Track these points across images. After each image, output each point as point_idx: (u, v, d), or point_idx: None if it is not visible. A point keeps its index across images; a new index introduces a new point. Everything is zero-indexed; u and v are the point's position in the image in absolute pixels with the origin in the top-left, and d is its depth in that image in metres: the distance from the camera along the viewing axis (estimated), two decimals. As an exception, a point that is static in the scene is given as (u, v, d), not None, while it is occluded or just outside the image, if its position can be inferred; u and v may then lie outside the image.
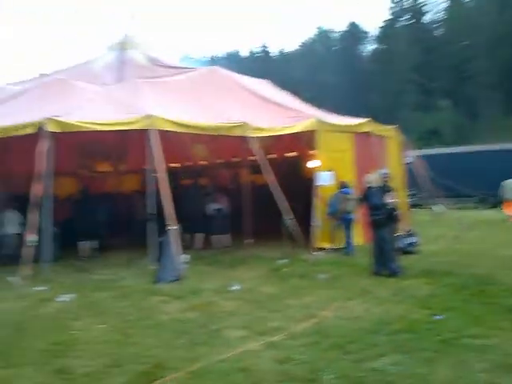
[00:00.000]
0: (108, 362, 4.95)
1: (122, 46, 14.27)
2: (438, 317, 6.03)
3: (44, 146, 9.13)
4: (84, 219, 11.88)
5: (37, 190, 8.88)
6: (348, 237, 10.93)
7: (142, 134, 10.17)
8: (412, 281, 8.01)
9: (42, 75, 14.12)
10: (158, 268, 8.69)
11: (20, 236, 9.38)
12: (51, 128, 9.31)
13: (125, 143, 15.01)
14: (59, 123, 9.45)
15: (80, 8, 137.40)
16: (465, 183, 20.44)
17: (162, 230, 9.20)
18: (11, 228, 11.26)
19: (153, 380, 4.45)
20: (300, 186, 13.60)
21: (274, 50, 70.40)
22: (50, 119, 9.35)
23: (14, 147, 13.42)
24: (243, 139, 10.83)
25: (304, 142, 12.52)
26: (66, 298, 7.52)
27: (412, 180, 14.32)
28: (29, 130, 9.47)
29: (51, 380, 4.57)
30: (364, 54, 64.09)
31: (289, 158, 15.91)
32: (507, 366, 4.51)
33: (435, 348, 5.01)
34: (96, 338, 5.69)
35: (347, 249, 10.82)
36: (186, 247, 11.10)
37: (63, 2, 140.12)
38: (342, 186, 10.99)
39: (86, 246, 11.81)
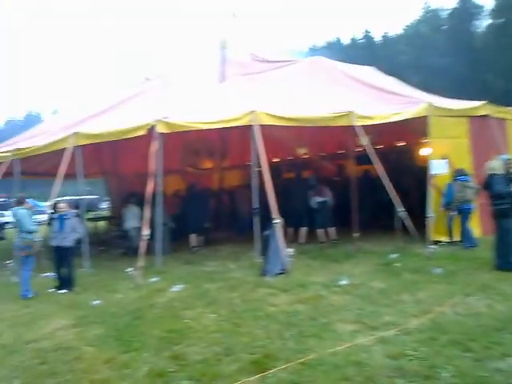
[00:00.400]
0: (220, 350, 5.08)
1: (224, 45, 14.53)
2: None
3: (155, 147, 9.64)
4: (191, 214, 12.39)
5: (150, 187, 9.39)
6: (466, 228, 10.15)
7: (244, 129, 10.34)
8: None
9: (146, 79, 14.90)
10: (264, 261, 8.76)
11: (139, 230, 9.92)
12: (161, 129, 9.84)
13: (227, 140, 15.39)
14: (168, 124, 9.96)
15: (180, 7, 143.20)
16: None
17: (266, 223, 9.27)
18: (132, 222, 12.10)
19: (264, 369, 4.49)
20: (411, 176, 13.02)
21: (376, 35, 68.04)
22: (159, 121, 9.88)
23: (125, 149, 14.39)
24: (348, 129, 10.47)
25: (414, 129, 11.81)
26: (178, 288, 7.86)
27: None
28: (140, 132, 10.06)
29: (167, 365, 4.78)
30: (478, 30, 59.46)
31: (398, 147, 15.24)
32: None
33: None
34: (207, 327, 5.86)
35: (466, 241, 10.04)
36: (290, 241, 11.15)
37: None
38: (460, 173, 10.21)
39: (194, 239, 12.27)
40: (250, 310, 6.45)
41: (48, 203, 10.55)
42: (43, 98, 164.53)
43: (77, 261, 9.44)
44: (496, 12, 54.15)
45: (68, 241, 8.55)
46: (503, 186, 7.84)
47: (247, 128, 9.97)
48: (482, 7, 58.32)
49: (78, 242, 9.16)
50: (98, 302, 7.42)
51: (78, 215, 9.14)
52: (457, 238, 10.42)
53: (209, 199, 13.99)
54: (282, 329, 5.61)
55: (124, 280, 8.69)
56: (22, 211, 8.52)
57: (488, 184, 8.10)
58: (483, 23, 58.16)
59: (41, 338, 5.90)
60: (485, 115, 11.31)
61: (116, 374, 4.64)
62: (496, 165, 8.13)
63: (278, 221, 8.95)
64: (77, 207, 11.47)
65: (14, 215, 8.59)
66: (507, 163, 8.25)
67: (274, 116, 9.99)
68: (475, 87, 42.82)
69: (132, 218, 12.24)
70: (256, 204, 9.81)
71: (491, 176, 8.07)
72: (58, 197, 10.17)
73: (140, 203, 10.42)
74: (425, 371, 4.26)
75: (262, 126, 9.82)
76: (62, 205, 8.88)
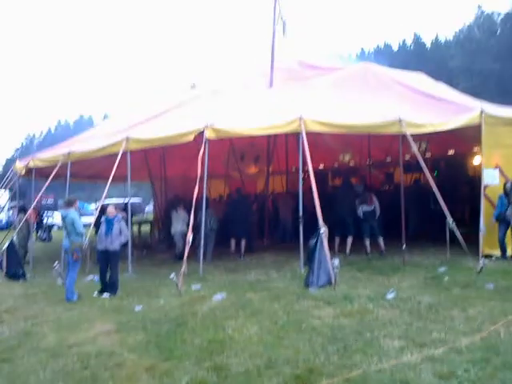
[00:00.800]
0: (261, 362, 4.94)
1: (272, 52, 14.51)
2: None
3: (203, 152, 9.70)
4: (233, 220, 12.36)
5: (197, 192, 9.41)
6: None
7: (290, 136, 10.24)
8: None
9: (193, 85, 15.07)
10: (309, 271, 8.54)
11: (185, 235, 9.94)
12: (209, 135, 9.91)
13: (273, 145, 15.34)
14: (216, 130, 10.03)
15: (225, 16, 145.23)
16: None
17: (311, 232, 9.08)
18: (179, 227, 12.17)
19: (307, 384, 4.31)
20: (462, 186, 12.57)
21: (427, 40, 66.83)
22: (207, 127, 9.94)
23: (172, 153, 14.61)
24: (397, 137, 10.25)
25: (466, 137, 11.40)
26: (220, 297, 7.78)
27: None
28: (189, 138, 10.21)
29: (208, 376, 4.68)
30: None
31: (448, 155, 14.79)
32: None
33: None
34: (250, 339, 5.73)
35: None
36: (336, 251, 10.91)
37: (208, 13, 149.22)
38: None
39: (234, 245, 12.23)
40: (293, 323, 6.28)
41: (95, 206, 10.80)
42: (95, 101, 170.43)
43: (120, 265, 9.56)
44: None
45: (115, 245, 8.64)
46: None
47: (294, 134, 9.86)
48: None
49: (123, 245, 9.24)
50: (140, 307, 7.44)
51: (124, 219, 9.22)
52: (510, 252, 9.91)
53: (252, 205, 13.94)
54: (326, 343, 5.42)
55: (166, 286, 8.70)
56: (72, 213, 8.62)
57: None
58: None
59: (83, 342, 5.95)
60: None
61: (156, 383, 4.59)
62: None
63: (323, 229, 8.74)
64: (124, 211, 11.68)
65: (64, 217, 8.71)
66: None
67: (322, 123, 9.88)
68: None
69: (179, 223, 12.29)
70: (301, 211, 9.65)
71: None
72: (105, 200, 10.36)
73: (188, 208, 10.45)
74: None
75: (309, 133, 9.71)
76: (110, 208, 8.99)
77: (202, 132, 9.95)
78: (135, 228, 17.12)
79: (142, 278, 9.96)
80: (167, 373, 4.80)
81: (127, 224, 9.83)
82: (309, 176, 9.26)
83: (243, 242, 12.24)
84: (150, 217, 21.81)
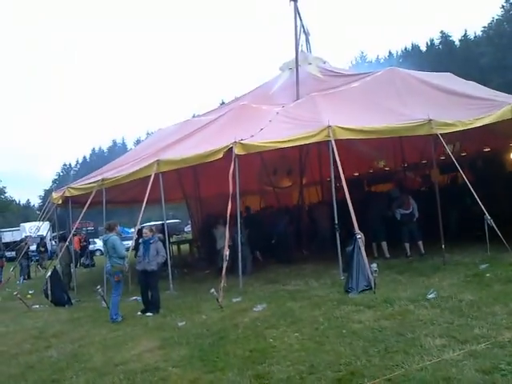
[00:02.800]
0: (303, 368, 4.99)
1: (296, 64, 14.66)
2: None
3: (233, 169, 9.87)
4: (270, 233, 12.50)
5: (230, 209, 9.56)
6: None
7: (321, 145, 10.28)
8: None
9: (222, 104, 15.38)
10: (348, 278, 8.53)
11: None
12: (237, 151, 10.08)
13: (304, 157, 15.40)
14: (244, 146, 10.21)
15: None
16: None
17: (348, 239, 9.07)
18: (222, 242, 12.28)
19: (349, 387, 4.33)
20: (501, 182, 12.27)
21: (455, 38, 65.66)
22: (236, 143, 10.12)
23: (205, 171, 14.88)
24: (430, 138, 10.15)
25: (500, 133, 11.17)
26: (260, 308, 7.86)
27: None
28: (218, 155, 10.39)
29: (251, 384, 4.73)
30: None
31: (484, 153, 14.45)
32: None
33: None
34: (291, 346, 5.78)
35: None
36: (374, 256, 10.83)
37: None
38: None
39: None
40: (333, 328, 6.30)
41: (134, 229, 11.06)
42: (126, 126, 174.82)
43: (162, 284, 9.75)
44: None
45: (152, 265, 8.85)
46: None
47: (325, 143, 9.93)
48: None
49: (163, 265, 9.43)
50: (182, 323, 7.60)
51: (161, 240, 9.43)
52: None
53: (288, 217, 14.00)
54: (368, 345, 5.43)
55: (208, 301, 8.84)
56: (113, 237, 8.92)
57: None
58: None
59: (129, 360, 6.11)
60: None
61: (201, 395, 4.69)
62: None
63: (359, 235, 8.73)
64: (162, 232, 11.94)
65: (105, 241, 9.01)
66: None
67: (351, 129, 9.92)
68: None
69: (222, 239, 12.40)
70: (336, 219, 9.67)
71: None
72: (143, 222, 10.62)
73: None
74: None
75: (342, 141, 9.79)
76: (145, 230, 9.24)
77: (231, 148, 10.12)
78: (174, 247, 17.41)
79: (183, 294, 10.13)
80: (211, 384, 4.89)
81: (164, 244, 10.03)
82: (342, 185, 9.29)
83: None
84: (189, 236, 22.14)
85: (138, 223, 10.63)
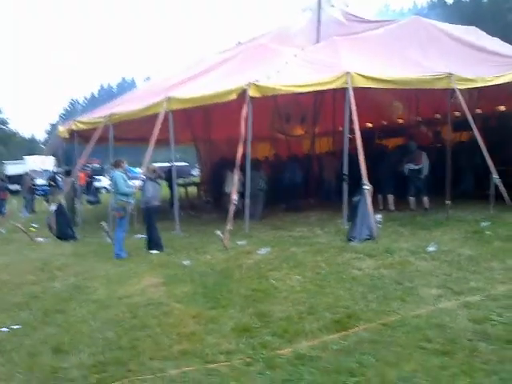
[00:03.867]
0: (303, 309, 5.19)
1: (318, 6, 14.18)
2: None
3: (246, 111, 9.64)
4: (281, 181, 12.53)
5: (240, 153, 9.52)
6: None
7: (337, 94, 10.06)
8: None
9: (238, 43, 14.95)
10: (351, 226, 8.67)
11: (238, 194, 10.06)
12: (252, 93, 9.75)
13: (318, 105, 15.13)
14: (259, 88, 9.85)
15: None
16: None
17: (355, 190, 9.15)
18: (231, 187, 12.30)
19: (345, 328, 4.55)
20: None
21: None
22: (251, 84, 9.76)
23: (216, 114, 14.67)
24: (447, 93, 10.01)
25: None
26: (264, 251, 8.05)
27: None
28: (232, 96, 10.03)
29: (252, 321, 4.96)
30: None
31: (498, 112, 14.17)
32: None
33: None
34: (292, 288, 5.99)
35: None
36: (379, 208, 10.94)
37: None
38: None
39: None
40: (334, 273, 6.49)
41: (139, 169, 10.97)
42: (137, 64, 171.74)
43: (168, 224, 9.92)
44: None
45: (142, 203, 9.03)
46: None
47: (341, 92, 9.72)
48: None
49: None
50: (187, 261, 7.80)
51: (152, 179, 9.25)
52: None
53: (297, 166, 14.00)
54: (366, 291, 5.62)
55: (213, 243, 9.01)
56: (117, 174, 8.95)
57: None
58: None
59: (132, 295, 6.29)
60: None
61: (202, 328, 4.89)
62: None
63: (367, 187, 8.79)
64: (169, 174, 11.98)
65: (111, 178, 9.05)
66: None
67: (370, 77, 9.70)
68: None
69: (230, 183, 12.37)
70: (346, 170, 9.69)
71: None
72: (150, 163, 10.60)
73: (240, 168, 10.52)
74: (508, 336, 4.19)
75: (357, 90, 9.54)
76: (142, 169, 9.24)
77: (245, 90, 9.77)
78: (182, 190, 17.55)
79: (189, 235, 10.34)
80: (213, 319, 5.11)
81: (172, 186, 9.94)
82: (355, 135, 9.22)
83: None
84: (196, 180, 22.28)
85: (145, 163, 10.65)
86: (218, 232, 8.57)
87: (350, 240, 8.37)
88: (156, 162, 24.29)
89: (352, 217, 8.86)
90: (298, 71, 10.94)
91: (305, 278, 6.34)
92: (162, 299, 5.98)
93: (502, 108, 14.04)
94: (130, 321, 5.30)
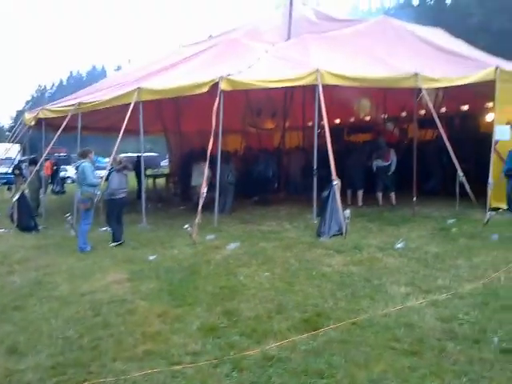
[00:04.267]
0: (272, 307, 5.10)
1: (290, 3, 14.17)
2: None
3: (218, 104, 9.58)
4: (251, 174, 12.43)
5: (211, 146, 9.39)
6: None
7: (307, 90, 10.13)
8: None
9: (210, 37, 14.77)
10: (320, 222, 8.66)
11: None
12: (224, 87, 9.73)
13: (288, 100, 15.17)
14: (231, 82, 9.86)
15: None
16: None
17: (325, 185, 9.13)
18: (197, 180, 12.06)
19: (315, 328, 4.47)
20: (474, 141, 12.45)
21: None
22: (223, 78, 9.75)
23: (187, 106, 14.50)
24: (413, 92, 10.27)
25: (480, 93, 11.32)
26: (233, 246, 7.92)
27: None
28: (203, 89, 9.98)
29: (219, 320, 4.83)
30: None
31: (461, 111, 14.60)
32: None
33: None
34: (261, 285, 5.89)
35: None
36: (348, 204, 10.98)
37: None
38: None
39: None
40: (304, 270, 6.44)
41: (108, 159, 10.67)
42: (108, 52, 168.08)
43: (135, 217, 9.68)
44: None
45: (105, 194, 8.74)
46: None
47: (311, 88, 9.79)
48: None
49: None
50: (153, 257, 7.58)
51: (118, 170, 8.93)
52: None
53: (267, 159, 13.94)
54: (335, 289, 5.59)
55: (181, 237, 8.83)
56: (84, 164, 8.57)
57: None
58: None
59: (96, 291, 6.04)
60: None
61: (168, 328, 4.73)
62: None
63: (336, 182, 8.80)
64: (137, 164, 11.72)
65: (77, 168, 8.75)
66: None
67: (339, 75, 9.85)
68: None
69: (197, 176, 12.18)
70: (316, 165, 9.69)
71: None
72: (118, 153, 10.32)
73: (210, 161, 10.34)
74: (475, 335, 4.23)
75: (327, 86, 9.68)
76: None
77: (217, 83, 9.77)
78: (151, 181, 17.25)
79: (156, 229, 10.08)
80: (179, 318, 4.95)
81: (140, 177, 9.73)
82: (324, 131, 9.24)
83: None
84: (166, 171, 21.95)
85: (113, 154, 10.34)
86: (187, 226, 8.40)
87: (319, 235, 8.36)
88: (126, 152, 23.85)
89: (321, 212, 8.87)
90: (269, 67, 10.97)
91: (274, 275, 6.25)
92: (126, 296, 5.77)
93: (466, 108, 14.41)
94: (93, 319, 5.09)
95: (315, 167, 9.72)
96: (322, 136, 9.89)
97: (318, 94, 9.57)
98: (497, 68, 10.00)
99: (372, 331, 4.38)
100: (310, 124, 15.07)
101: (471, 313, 4.70)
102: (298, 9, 14.63)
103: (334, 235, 8.27)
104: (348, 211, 8.66)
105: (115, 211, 8.83)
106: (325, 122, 9.36)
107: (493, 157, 9.95)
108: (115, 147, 10.13)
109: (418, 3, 63.93)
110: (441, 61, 11.29)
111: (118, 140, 10.31)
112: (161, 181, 18.95)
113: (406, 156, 11.67)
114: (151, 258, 7.53)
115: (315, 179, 9.64)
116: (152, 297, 5.68)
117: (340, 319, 4.65)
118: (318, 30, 13.52)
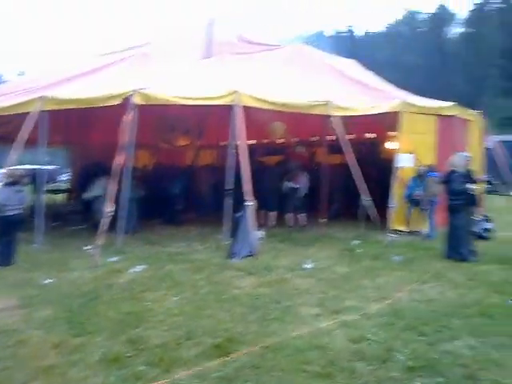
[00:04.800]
0: (181, 333, 4.84)
1: (211, 22, 14.14)
2: (512, 302, 5.77)
3: (129, 118, 9.12)
4: (159, 192, 12.04)
5: (119, 160, 8.90)
6: (432, 221, 10.49)
7: (222, 109, 10.06)
8: (486, 266, 7.81)
9: (130, 47, 14.24)
10: (232, 243, 8.54)
11: (104, 201, 9.10)
12: (137, 100, 9.28)
13: (203, 118, 15.03)
14: (145, 95, 9.41)
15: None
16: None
17: (238, 205, 9.04)
18: (97, 192, 11.26)
19: (226, 353, 4.31)
20: (377, 167, 13.10)
21: (359, 31, 69.37)
22: (136, 91, 9.32)
23: (93, 118, 13.79)
24: (324, 118, 10.64)
25: (385, 123, 12.06)
26: (139, 269, 7.51)
27: (491, 166, 13.79)
28: (115, 101, 9.43)
29: (124, 349, 4.48)
30: (451, 37, 61.56)
31: (368, 139, 15.44)
32: None
33: (510, 333, 4.88)
34: (169, 310, 5.59)
35: (430, 232, 10.38)
36: (260, 224, 10.97)
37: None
38: (431, 170, 10.54)
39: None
40: (214, 293, 6.24)
41: (3, 171, 9.67)
42: (8, 59, 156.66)
43: (28, 236, 8.90)
44: (469, 22, 55.91)
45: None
46: (459, 183, 8.23)
47: (227, 108, 9.74)
48: (455, 15, 60.12)
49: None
50: (49, 280, 6.91)
51: (9, 184, 8.17)
52: (416, 228, 10.75)
53: (178, 177, 13.60)
54: (246, 312, 5.46)
55: (80, 258, 8.19)
56: None
57: (447, 180, 8.54)
58: (455, 30, 60.20)
59: (-20, 321, 5.37)
60: (452, 115, 11.75)
61: (65, 360, 4.28)
62: (458, 161, 8.52)
63: (250, 203, 8.74)
64: (34, 177, 10.83)
65: None
66: (467, 160, 8.66)
67: (256, 98, 9.90)
68: (444, 88, 44.13)
69: (98, 189, 11.42)
70: (229, 185, 9.53)
71: (451, 173, 8.47)
72: (15, 165, 9.44)
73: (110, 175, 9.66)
74: (383, 354, 4.34)
75: (245, 107, 9.68)
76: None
77: (130, 96, 9.26)
78: (51, 196, 16.14)
79: (52, 249, 9.12)
80: (78, 348, 4.52)
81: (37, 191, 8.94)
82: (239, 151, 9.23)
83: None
84: (63, 186, 20.72)
85: (9, 165, 9.37)
86: (88, 247, 7.84)
87: (230, 257, 8.23)
88: (23, 164, 22.11)
89: (234, 233, 8.77)
90: (186, 84, 10.73)
91: (183, 299, 5.98)
92: (17, 325, 5.17)
93: (373, 136, 15.25)
94: (-24, 353, 4.48)
95: (229, 187, 9.57)
96: (236, 155, 9.82)
97: (235, 115, 9.51)
98: (402, 101, 10.83)
99: (284, 355, 4.31)
100: (225, 143, 15.01)
101: (379, 333, 4.83)
102: (219, 29, 14.61)
103: (245, 256, 8.18)
104: (261, 231, 8.63)
105: (3, 230, 8.00)
106: (241, 142, 9.32)
107: (394, 182, 10.51)
108: (11, 159, 9.25)
109: (332, 34, 67.78)
110: (352, 90, 11.91)
111: (14, 151, 9.41)
112: (61, 196, 17.83)
113: (315, 179, 11.98)
114: (47, 281, 6.86)
115: (228, 199, 9.50)
116: (47, 325, 5.14)
117: (252, 343, 4.53)
118: (238, 52, 13.60)
